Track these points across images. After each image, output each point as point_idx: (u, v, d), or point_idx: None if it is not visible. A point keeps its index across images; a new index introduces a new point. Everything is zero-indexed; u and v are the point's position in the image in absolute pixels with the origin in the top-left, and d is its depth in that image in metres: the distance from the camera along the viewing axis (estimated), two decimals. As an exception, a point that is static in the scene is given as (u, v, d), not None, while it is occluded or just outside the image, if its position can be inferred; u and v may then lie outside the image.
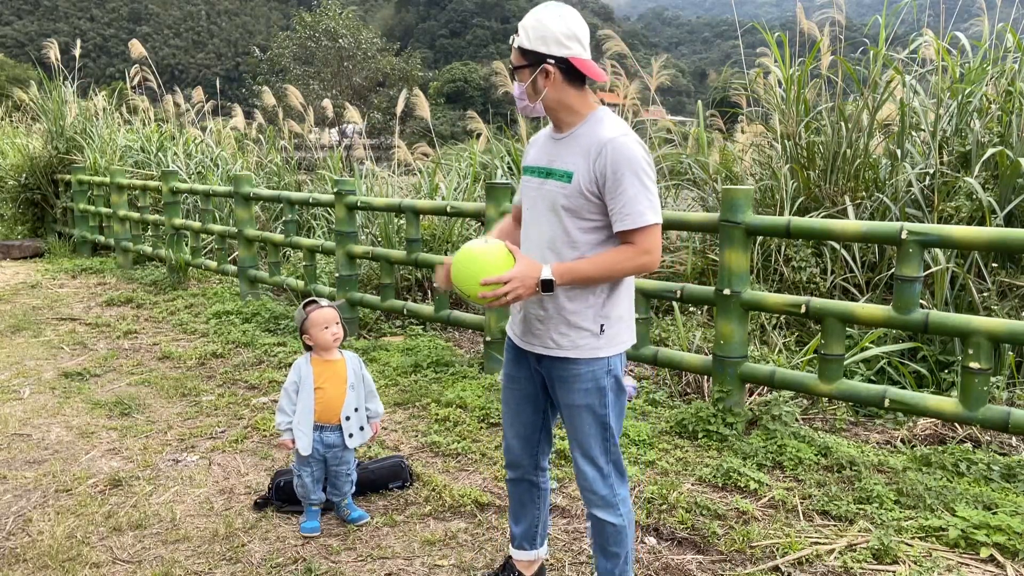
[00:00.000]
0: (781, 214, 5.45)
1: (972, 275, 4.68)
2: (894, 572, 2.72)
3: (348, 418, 3.10)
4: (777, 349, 4.68)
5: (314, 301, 3.15)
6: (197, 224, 7.85)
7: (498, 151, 8.27)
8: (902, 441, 3.90)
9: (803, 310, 3.69)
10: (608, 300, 2.21)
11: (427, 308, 5.57)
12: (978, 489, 3.23)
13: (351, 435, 3.10)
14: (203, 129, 12.03)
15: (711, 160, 6.70)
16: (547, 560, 2.78)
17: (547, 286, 2.11)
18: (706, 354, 4.41)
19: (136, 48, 11.92)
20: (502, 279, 2.08)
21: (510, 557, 2.62)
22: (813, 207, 5.50)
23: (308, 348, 3.15)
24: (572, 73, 2.14)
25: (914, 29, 6.23)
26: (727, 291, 3.89)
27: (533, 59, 2.14)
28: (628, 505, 2.33)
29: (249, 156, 11.10)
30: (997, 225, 4.59)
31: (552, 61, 2.12)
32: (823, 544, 2.91)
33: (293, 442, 3.05)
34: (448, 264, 2.25)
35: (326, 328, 3.08)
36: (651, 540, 2.98)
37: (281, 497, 3.24)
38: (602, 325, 2.21)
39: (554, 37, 2.11)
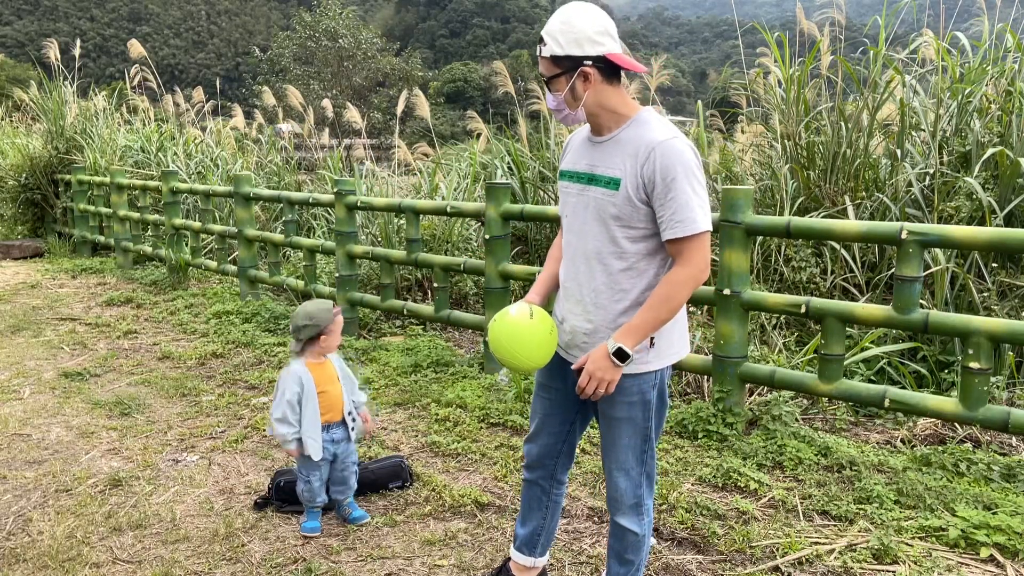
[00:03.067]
0: (781, 214, 5.45)
1: (972, 275, 4.68)
2: (894, 572, 2.72)
3: (349, 412, 3.17)
4: (777, 349, 4.68)
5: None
6: (197, 224, 7.85)
7: (498, 151, 8.26)
8: (902, 441, 3.90)
9: (803, 310, 3.69)
10: None
11: (427, 308, 5.57)
12: (978, 489, 3.23)
13: (352, 427, 3.18)
14: (203, 129, 12.02)
15: (711, 160, 6.70)
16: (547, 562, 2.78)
17: (622, 355, 2.03)
18: (706, 354, 4.41)
19: (136, 48, 11.91)
20: (580, 386, 2.09)
21: (509, 559, 2.60)
22: (813, 207, 5.50)
23: (301, 352, 3.09)
24: (609, 71, 2.04)
25: (914, 29, 6.22)
26: (727, 291, 3.89)
27: (568, 65, 2.02)
28: (651, 515, 2.29)
29: (249, 156, 11.10)
30: (997, 225, 4.58)
31: (589, 62, 2.01)
32: (823, 544, 2.91)
33: (299, 451, 3.03)
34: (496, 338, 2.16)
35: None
36: (651, 540, 2.98)
37: (281, 497, 3.25)
38: (652, 338, 2.11)
39: (587, 36, 2.00)
